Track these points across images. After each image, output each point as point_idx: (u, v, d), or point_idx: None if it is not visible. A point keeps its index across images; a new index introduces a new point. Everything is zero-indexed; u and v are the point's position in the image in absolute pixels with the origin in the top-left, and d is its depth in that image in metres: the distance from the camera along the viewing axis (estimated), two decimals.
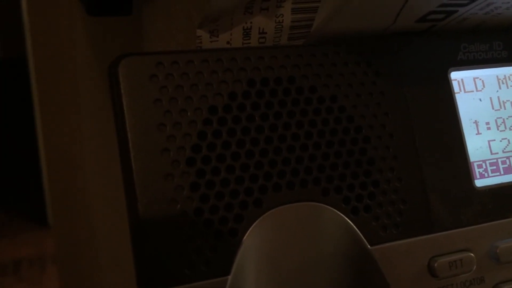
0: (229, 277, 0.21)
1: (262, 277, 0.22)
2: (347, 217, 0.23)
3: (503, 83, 0.27)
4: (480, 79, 0.27)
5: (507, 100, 0.27)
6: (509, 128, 0.27)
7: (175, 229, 0.21)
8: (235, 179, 0.22)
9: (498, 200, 0.26)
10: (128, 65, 0.21)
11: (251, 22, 0.25)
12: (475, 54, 0.27)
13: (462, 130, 0.26)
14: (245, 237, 0.22)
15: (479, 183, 0.26)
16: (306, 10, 0.25)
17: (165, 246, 0.20)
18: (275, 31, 0.25)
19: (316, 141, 0.23)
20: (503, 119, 0.27)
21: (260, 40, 0.25)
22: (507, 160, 0.27)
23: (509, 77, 0.28)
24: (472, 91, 0.27)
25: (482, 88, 0.27)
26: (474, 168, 0.26)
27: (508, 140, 0.27)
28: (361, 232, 0.23)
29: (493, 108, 0.27)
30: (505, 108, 0.27)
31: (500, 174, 0.26)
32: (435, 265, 0.24)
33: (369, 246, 0.23)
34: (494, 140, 0.27)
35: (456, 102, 0.26)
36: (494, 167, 0.26)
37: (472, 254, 0.25)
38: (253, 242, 0.22)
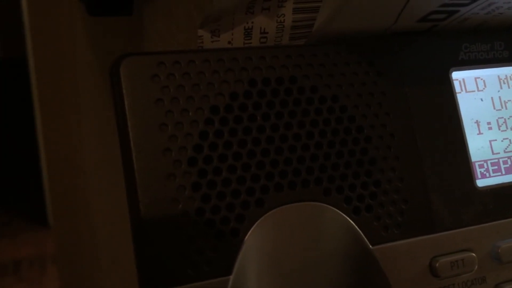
0: (231, 277, 0.21)
1: (263, 277, 0.22)
2: (348, 217, 0.23)
3: (504, 83, 0.27)
4: (482, 79, 0.27)
5: (508, 100, 0.27)
6: (511, 128, 0.27)
7: (177, 229, 0.21)
8: (237, 179, 0.22)
9: (499, 200, 0.26)
10: (130, 65, 0.21)
11: (252, 22, 0.25)
12: (477, 54, 0.27)
13: (464, 130, 0.26)
14: (246, 237, 0.22)
15: (480, 183, 0.26)
16: (308, 10, 0.25)
17: (166, 246, 0.20)
18: (277, 31, 0.25)
19: (317, 141, 0.23)
20: (505, 119, 0.27)
21: (261, 40, 0.25)
22: (509, 160, 0.27)
23: (510, 77, 0.28)
24: (474, 91, 0.27)
25: (484, 88, 0.27)
26: (476, 168, 0.26)
27: (510, 140, 0.27)
28: (362, 232, 0.23)
29: (494, 108, 0.27)
30: (506, 108, 0.27)
31: (502, 174, 0.26)
32: (437, 265, 0.24)
33: (370, 246, 0.23)
34: (496, 140, 0.27)
35: (458, 102, 0.26)
36: (496, 167, 0.26)
37: (473, 254, 0.25)
38: (254, 242, 0.22)
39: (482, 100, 0.27)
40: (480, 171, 0.26)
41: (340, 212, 0.23)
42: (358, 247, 0.23)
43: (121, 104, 0.21)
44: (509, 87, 0.28)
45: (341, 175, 0.23)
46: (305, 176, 0.23)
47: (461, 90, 0.26)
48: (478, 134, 0.26)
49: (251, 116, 0.22)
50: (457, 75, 0.26)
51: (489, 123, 0.27)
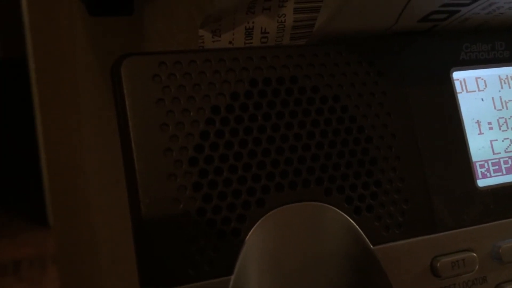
0: (232, 277, 0.21)
1: (264, 276, 0.22)
2: (349, 217, 0.23)
3: (505, 83, 0.27)
4: (482, 79, 0.27)
5: (509, 100, 0.27)
6: (511, 128, 0.27)
7: (178, 229, 0.21)
8: (238, 179, 0.22)
9: (500, 200, 0.26)
10: (131, 65, 0.21)
11: (253, 22, 0.25)
12: (477, 54, 0.27)
13: (464, 130, 0.26)
14: (247, 237, 0.22)
15: (481, 183, 0.26)
16: (308, 10, 0.25)
17: (167, 246, 0.20)
18: (277, 31, 0.25)
19: (318, 141, 0.23)
20: (505, 119, 0.27)
21: (262, 40, 0.25)
22: (509, 160, 0.27)
23: (511, 77, 0.28)
24: (474, 91, 0.27)
25: (484, 88, 0.27)
26: (476, 168, 0.26)
27: (510, 140, 0.27)
28: (363, 232, 0.23)
29: (495, 108, 0.27)
30: (507, 108, 0.27)
31: (503, 174, 0.26)
32: (438, 265, 0.24)
33: (371, 246, 0.23)
34: (496, 140, 0.27)
35: (458, 102, 0.26)
36: (496, 167, 0.26)
37: (474, 254, 0.25)
38: (255, 242, 0.22)
39: (483, 100, 0.27)
40: (481, 171, 0.26)
41: (341, 212, 0.23)
42: (359, 247, 0.23)
43: (122, 104, 0.21)
44: (510, 87, 0.28)
45: (342, 175, 0.23)
46: (306, 176, 0.23)
47: (462, 90, 0.26)
48: (479, 134, 0.26)
49: (252, 116, 0.22)
50: (458, 75, 0.26)
51: (490, 123, 0.27)
